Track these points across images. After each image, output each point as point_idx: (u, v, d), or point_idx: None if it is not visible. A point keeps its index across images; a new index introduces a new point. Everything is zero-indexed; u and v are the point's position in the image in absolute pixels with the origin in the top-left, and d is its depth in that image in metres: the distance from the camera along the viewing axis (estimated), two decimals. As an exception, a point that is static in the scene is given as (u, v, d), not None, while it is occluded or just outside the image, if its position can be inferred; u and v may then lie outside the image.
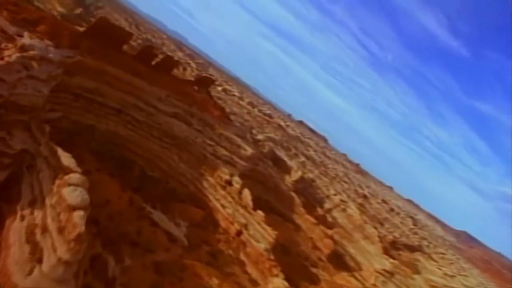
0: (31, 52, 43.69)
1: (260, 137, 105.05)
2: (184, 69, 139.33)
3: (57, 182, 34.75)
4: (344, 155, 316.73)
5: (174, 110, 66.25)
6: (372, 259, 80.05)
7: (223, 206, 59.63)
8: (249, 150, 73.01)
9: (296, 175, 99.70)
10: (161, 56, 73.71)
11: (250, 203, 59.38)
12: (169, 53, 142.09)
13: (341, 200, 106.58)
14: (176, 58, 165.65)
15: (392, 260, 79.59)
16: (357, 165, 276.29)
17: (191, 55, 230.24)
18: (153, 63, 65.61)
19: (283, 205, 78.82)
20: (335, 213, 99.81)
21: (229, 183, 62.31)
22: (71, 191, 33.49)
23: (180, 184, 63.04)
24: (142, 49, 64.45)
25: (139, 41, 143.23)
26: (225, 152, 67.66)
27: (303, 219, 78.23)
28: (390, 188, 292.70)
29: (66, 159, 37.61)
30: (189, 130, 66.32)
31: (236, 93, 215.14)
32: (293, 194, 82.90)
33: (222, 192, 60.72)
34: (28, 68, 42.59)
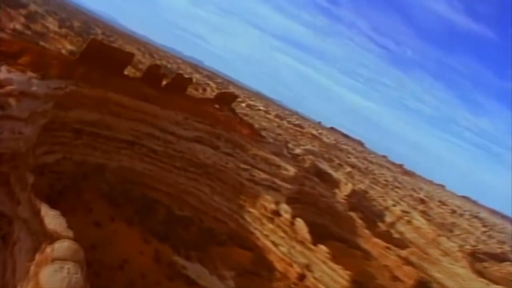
0: (8, 88, 34.50)
1: (298, 151, 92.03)
2: (204, 89, 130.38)
3: (37, 257, 23.31)
4: (385, 157, 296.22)
5: (195, 134, 55.26)
6: (466, 284, 63.45)
7: (275, 244, 46.78)
8: (291, 169, 60.32)
9: (346, 188, 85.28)
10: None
11: (308, 236, 46.15)
12: (186, 76, 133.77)
13: (403, 211, 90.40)
14: (194, 80, 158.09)
15: (495, 286, 62.35)
16: (401, 165, 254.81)
17: (209, 76, 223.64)
18: (163, 84, 55.39)
19: (343, 228, 64.80)
20: (400, 227, 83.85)
21: (276, 213, 49.57)
22: (54, 272, 21.66)
23: (217, 221, 51.02)
24: (147, 70, 54.66)
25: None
26: (264, 176, 55.31)
27: (372, 243, 63.62)
28: (442, 186, 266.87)
29: (52, 220, 26.23)
30: (217, 155, 54.85)
31: (261, 107, 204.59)
32: (352, 214, 68.60)
33: (270, 225, 48.06)
34: (4, 107, 33.00)
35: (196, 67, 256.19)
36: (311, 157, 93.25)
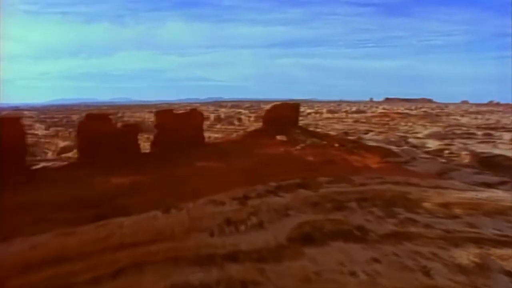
0: None
1: (431, 144, 54.03)
2: (239, 119, 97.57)
3: None
4: (466, 102, 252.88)
5: (295, 223, 20.10)
6: None
7: None
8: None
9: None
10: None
11: None
12: (211, 114, 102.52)
13: None
14: (222, 115, 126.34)
15: None
16: (497, 103, 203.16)
17: (236, 105, 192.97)
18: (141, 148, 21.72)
19: None
20: None
21: None
22: None
23: None
24: (78, 134, 21.76)
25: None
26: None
27: None
28: None
29: None
30: (387, 258, 18.78)
31: (309, 110, 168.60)
32: None
33: None
34: None
35: (219, 103, 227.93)
36: (457, 143, 54.31)
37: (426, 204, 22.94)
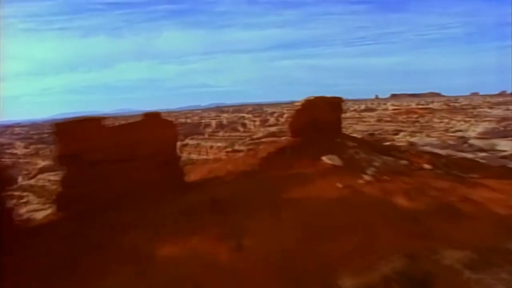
0: None
1: (503, 147, 40.98)
2: (243, 125, 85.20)
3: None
4: (476, 94, 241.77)
5: None
6: None
7: None
8: None
9: None
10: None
11: None
12: (212, 120, 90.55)
13: None
14: (224, 121, 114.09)
15: None
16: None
17: (238, 110, 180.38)
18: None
19: None
20: None
21: None
22: None
23: None
24: None
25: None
26: None
27: None
28: None
29: None
30: None
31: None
32: None
33: None
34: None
35: (220, 109, 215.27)
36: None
37: None
